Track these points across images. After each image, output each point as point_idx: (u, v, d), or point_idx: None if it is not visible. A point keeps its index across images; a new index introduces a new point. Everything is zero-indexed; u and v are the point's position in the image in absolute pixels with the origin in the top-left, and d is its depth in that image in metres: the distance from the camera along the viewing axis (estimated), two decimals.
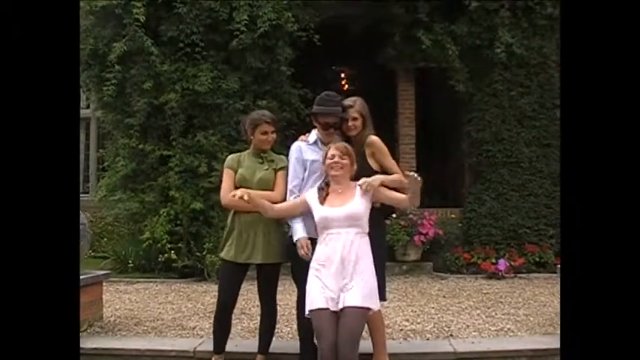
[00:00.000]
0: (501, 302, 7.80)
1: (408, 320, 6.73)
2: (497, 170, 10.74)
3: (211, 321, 5.48)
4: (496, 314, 7.05)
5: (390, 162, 5.01)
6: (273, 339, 5.36)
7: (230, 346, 5.34)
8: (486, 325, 6.48)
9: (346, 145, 4.67)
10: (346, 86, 15.25)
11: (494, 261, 10.04)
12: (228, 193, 4.99)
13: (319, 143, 4.99)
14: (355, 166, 4.69)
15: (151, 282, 9.38)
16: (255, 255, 5.03)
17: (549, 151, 10.60)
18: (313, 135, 5.07)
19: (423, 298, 8.13)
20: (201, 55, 9.87)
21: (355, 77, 15.12)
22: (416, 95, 11.36)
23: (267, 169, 5.13)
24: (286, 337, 6.06)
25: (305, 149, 4.99)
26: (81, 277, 6.29)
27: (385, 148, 4.99)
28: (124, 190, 10.21)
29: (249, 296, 7.86)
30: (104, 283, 7.12)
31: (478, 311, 7.22)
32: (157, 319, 6.90)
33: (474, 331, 6.23)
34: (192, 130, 9.90)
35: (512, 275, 9.85)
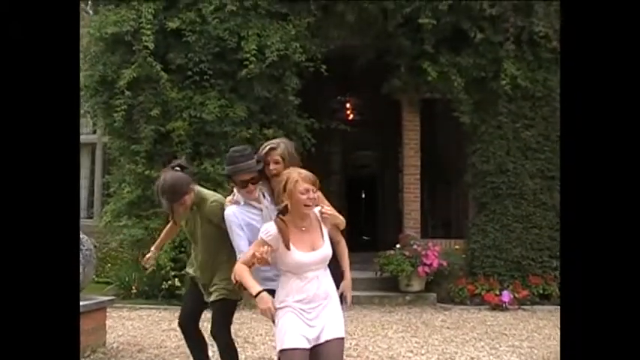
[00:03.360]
0: (505, 334, 7.79)
1: (412, 351, 6.72)
2: (501, 202, 10.76)
3: (215, 349, 5.47)
4: (500, 346, 7.04)
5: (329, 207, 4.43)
6: None
7: None
8: (491, 358, 6.47)
9: (311, 174, 4.08)
10: (351, 116, 15.33)
11: (498, 292, 10.04)
12: None
13: (248, 202, 4.62)
14: None
15: (154, 309, 9.36)
16: (206, 291, 4.88)
17: (553, 183, 10.61)
18: (239, 195, 4.68)
19: (426, 329, 8.11)
20: (209, 83, 9.96)
21: (361, 107, 15.20)
22: (421, 126, 11.40)
23: (206, 224, 4.82)
24: None
25: (239, 213, 4.56)
26: (85, 302, 6.32)
27: (321, 195, 4.40)
28: (129, 216, 10.24)
29: (252, 324, 7.88)
30: (107, 309, 7.12)
31: (482, 343, 7.21)
32: (160, 347, 6.89)
33: None
34: (199, 158, 9.95)
35: (516, 307, 9.84)
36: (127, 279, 10.30)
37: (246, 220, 4.49)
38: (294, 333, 3.89)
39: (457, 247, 11.00)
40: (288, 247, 3.93)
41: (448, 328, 8.22)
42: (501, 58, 10.44)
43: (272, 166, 4.53)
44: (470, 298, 10.30)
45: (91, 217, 13.28)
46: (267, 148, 4.58)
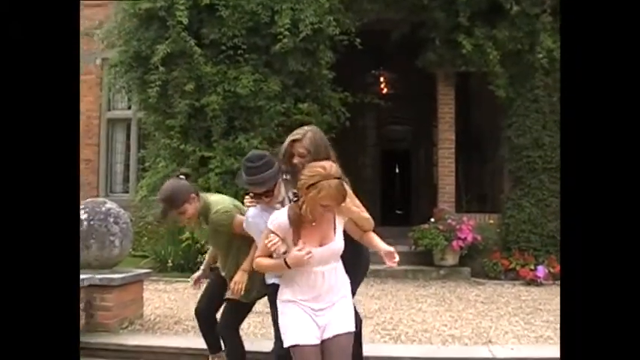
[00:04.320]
0: (540, 309, 7.74)
1: (446, 325, 6.72)
2: (537, 176, 10.65)
3: (249, 321, 5.52)
4: (535, 321, 7.00)
5: (356, 204, 4.08)
6: None
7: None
8: (525, 332, 6.43)
9: (343, 190, 3.65)
10: (385, 90, 15.24)
11: (532, 267, 9.97)
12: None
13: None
14: None
15: (189, 282, 9.43)
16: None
17: None
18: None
19: (460, 303, 8.10)
20: (243, 58, 9.96)
21: (395, 81, 15.11)
22: (456, 100, 11.31)
23: (214, 233, 4.75)
24: None
25: (259, 215, 4.18)
26: (122, 275, 6.42)
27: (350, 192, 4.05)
28: None
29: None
30: (144, 282, 7.21)
31: (517, 318, 7.17)
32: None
33: (513, 338, 6.19)
34: (233, 132, 9.98)
35: (551, 282, 9.76)
36: (162, 253, 10.43)
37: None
38: (303, 328, 3.74)
39: (492, 221, 10.95)
40: (296, 242, 3.73)
41: (482, 302, 8.19)
42: (538, 31, 10.28)
43: (296, 160, 4.09)
44: (504, 272, 10.25)
45: (127, 192, 13.44)
46: (290, 139, 4.15)
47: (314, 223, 3.74)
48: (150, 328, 6.50)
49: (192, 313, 6.91)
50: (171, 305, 7.76)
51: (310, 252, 3.63)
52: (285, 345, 3.77)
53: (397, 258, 3.85)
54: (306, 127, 4.27)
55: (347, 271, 3.98)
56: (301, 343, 3.70)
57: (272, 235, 3.71)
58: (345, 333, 3.77)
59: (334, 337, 3.74)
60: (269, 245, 3.69)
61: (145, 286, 7.25)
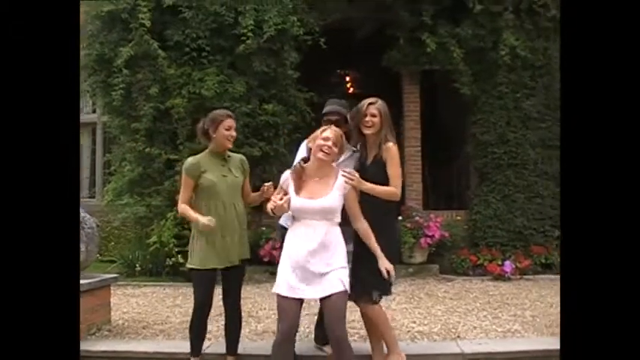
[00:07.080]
0: (508, 304, 7.81)
1: (415, 322, 6.76)
2: (502, 172, 10.74)
3: (219, 324, 5.50)
4: (503, 315, 7.07)
5: (395, 172, 4.94)
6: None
7: (239, 349, 5.38)
8: (493, 327, 6.49)
9: (342, 134, 4.64)
10: (351, 89, 15.26)
11: (500, 263, 10.04)
12: (187, 203, 5.10)
13: None
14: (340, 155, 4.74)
15: (158, 286, 9.40)
16: (232, 256, 5.07)
17: (554, 152, 10.56)
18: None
19: (429, 300, 8.15)
20: (207, 60, 9.91)
21: (360, 80, 15.13)
22: (421, 98, 11.36)
23: (237, 177, 5.14)
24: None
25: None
26: (89, 280, 6.35)
27: (397, 159, 4.99)
28: (131, 195, 10.25)
29: (256, 299, 7.93)
30: (112, 287, 7.14)
31: (485, 313, 7.24)
32: (165, 323, 6.92)
33: (481, 333, 6.25)
34: None
35: (519, 277, 9.86)
36: (130, 257, 10.33)
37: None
38: (287, 282, 4.41)
39: (459, 218, 11.02)
40: (297, 193, 4.46)
41: (451, 298, 8.25)
42: (501, 28, 10.37)
43: (368, 118, 4.89)
44: (472, 268, 10.31)
45: (93, 197, 13.30)
46: (367, 102, 4.96)
47: (317, 179, 4.49)
48: (118, 334, 6.45)
49: (161, 317, 6.91)
50: (139, 310, 7.71)
51: (288, 200, 4.42)
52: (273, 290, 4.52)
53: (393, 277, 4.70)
54: (375, 98, 5.06)
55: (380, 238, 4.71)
56: (282, 294, 4.41)
57: (280, 194, 4.56)
58: (338, 292, 4.34)
59: (329, 296, 4.34)
60: (272, 202, 4.52)
61: (112, 291, 7.19)
